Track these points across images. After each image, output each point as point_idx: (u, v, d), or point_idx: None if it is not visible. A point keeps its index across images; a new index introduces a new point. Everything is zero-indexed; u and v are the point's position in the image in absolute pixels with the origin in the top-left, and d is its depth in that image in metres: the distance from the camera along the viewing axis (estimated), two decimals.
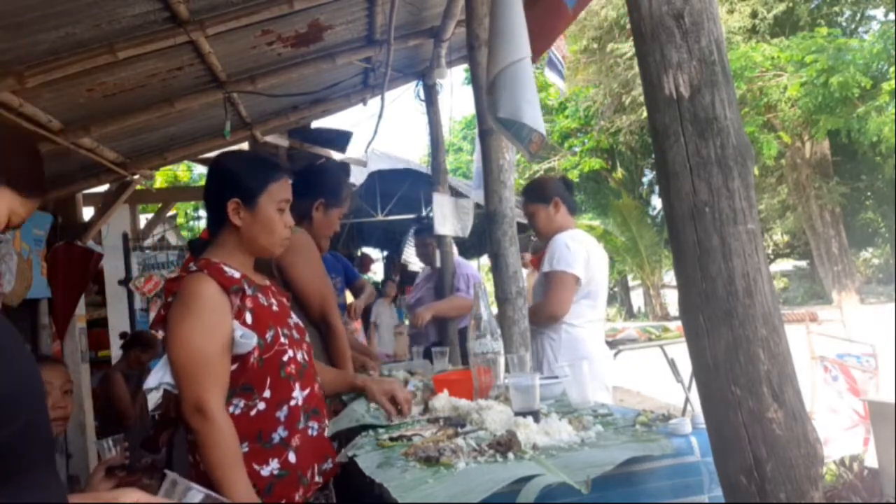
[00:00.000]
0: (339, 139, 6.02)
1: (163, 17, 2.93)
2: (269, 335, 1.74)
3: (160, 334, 1.78)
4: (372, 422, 1.91)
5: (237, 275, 1.75)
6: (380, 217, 10.41)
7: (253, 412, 1.72)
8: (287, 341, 1.80)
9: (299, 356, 1.83)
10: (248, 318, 1.73)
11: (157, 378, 1.72)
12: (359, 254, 11.89)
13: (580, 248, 3.05)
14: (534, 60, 2.84)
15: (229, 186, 1.82)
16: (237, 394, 1.71)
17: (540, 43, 2.83)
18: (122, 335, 5.57)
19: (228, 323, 1.69)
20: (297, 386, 1.80)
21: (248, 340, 1.70)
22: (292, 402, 1.77)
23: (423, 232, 5.25)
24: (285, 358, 1.78)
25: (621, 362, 5.14)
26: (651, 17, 1.17)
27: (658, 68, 1.16)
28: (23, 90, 2.95)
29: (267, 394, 1.73)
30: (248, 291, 1.75)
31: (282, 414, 1.75)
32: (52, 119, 3.48)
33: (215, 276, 1.71)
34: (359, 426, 1.90)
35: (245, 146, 5.67)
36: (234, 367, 1.71)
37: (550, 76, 3.08)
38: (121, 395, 4.46)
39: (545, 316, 3.03)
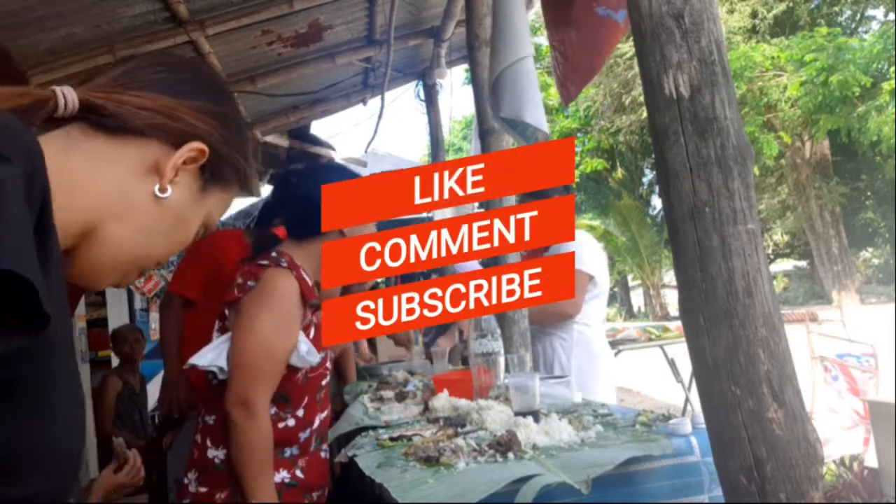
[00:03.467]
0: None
1: (163, 18, 2.94)
2: (321, 355, 1.72)
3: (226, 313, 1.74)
4: (370, 424, 1.91)
5: (311, 284, 1.72)
6: None
7: (280, 425, 1.68)
8: (330, 366, 1.79)
9: (328, 379, 1.82)
10: (312, 333, 1.69)
11: (209, 358, 1.66)
12: None
13: (591, 248, 3.06)
14: (590, 78, 2.84)
15: None
16: (272, 400, 1.68)
17: (594, 60, 2.83)
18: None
19: (297, 332, 1.65)
20: (321, 410, 1.78)
21: (311, 358, 1.65)
22: (315, 426, 1.76)
23: None
24: (324, 382, 1.76)
25: (621, 362, 5.14)
26: (651, 17, 1.17)
27: (658, 68, 1.16)
28: None
29: (300, 413, 1.70)
30: (318, 309, 1.73)
31: (303, 435, 1.73)
32: None
33: (299, 282, 1.68)
34: (358, 428, 1.91)
35: None
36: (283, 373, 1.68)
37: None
38: (104, 400, 4.48)
39: (558, 314, 2.96)
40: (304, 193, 1.83)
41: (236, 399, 1.61)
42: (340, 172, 1.93)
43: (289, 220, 1.85)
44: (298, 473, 1.72)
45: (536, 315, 2.94)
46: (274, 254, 1.72)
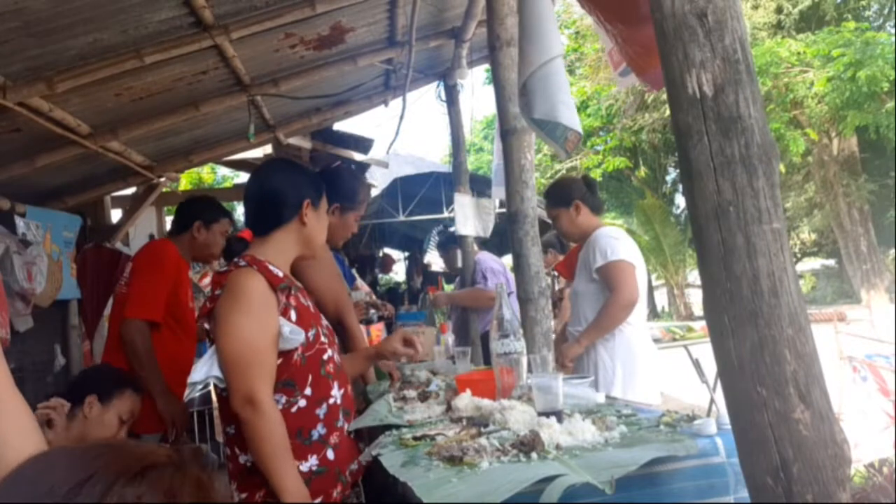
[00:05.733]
0: (361, 145, 6.05)
1: (188, 23, 2.98)
2: (311, 333, 1.78)
3: (206, 326, 1.81)
4: (394, 422, 1.92)
5: (281, 273, 1.79)
6: (401, 218, 10.43)
7: (294, 409, 1.74)
8: (326, 340, 1.84)
9: (336, 356, 1.88)
10: (293, 315, 1.76)
11: (204, 372, 1.73)
12: (381, 254, 11.94)
13: (626, 241, 3.04)
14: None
15: (305, 186, 1.88)
16: (279, 389, 1.73)
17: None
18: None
19: (276, 319, 1.72)
20: (336, 385, 1.83)
21: (296, 336, 1.73)
22: (331, 401, 1.81)
23: (445, 244, 5.33)
24: (325, 357, 1.82)
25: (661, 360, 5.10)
26: (674, 16, 1.16)
27: (681, 67, 1.15)
28: (53, 95, 3.01)
29: (308, 391, 1.76)
30: (292, 290, 1.79)
31: (321, 412, 1.78)
32: (80, 123, 3.55)
33: (263, 273, 1.75)
34: (382, 426, 1.92)
35: (269, 148, 5.73)
36: (278, 362, 1.73)
37: (623, 80, 3.04)
38: None
39: (623, 305, 2.93)
40: (255, 192, 1.91)
41: (240, 399, 1.66)
42: (283, 166, 1.98)
43: (250, 220, 1.93)
44: (329, 455, 1.76)
45: (604, 318, 2.92)
46: (235, 259, 1.81)
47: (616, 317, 2.93)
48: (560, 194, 3.21)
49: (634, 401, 2.31)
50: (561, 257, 4.86)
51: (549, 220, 3.29)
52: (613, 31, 2.62)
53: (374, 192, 9.24)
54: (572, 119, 2.36)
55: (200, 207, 3.22)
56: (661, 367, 3.19)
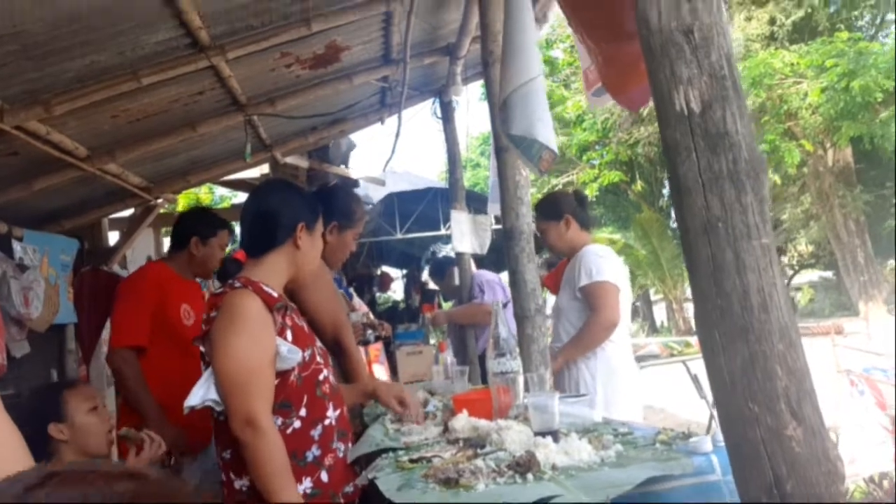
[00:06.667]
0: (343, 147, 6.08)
1: (184, 44, 3.00)
2: (307, 353, 1.78)
3: (202, 348, 1.81)
4: (391, 445, 1.91)
5: (275, 294, 1.79)
6: (399, 235, 10.43)
7: (289, 430, 1.74)
8: (322, 361, 1.84)
9: (331, 377, 1.87)
10: (289, 335, 1.76)
11: (200, 395, 1.72)
12: (378, 273, 11.92)
13: (612, 261, 3.06)
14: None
15: (300, 208, 1.89)
16: (275, 411, 1.72)
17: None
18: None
19: (272, 338, 1.72)
20: (331, 406, 1.82)
21: (293, 356, 1.73)
22: (326, 422, 1.80)
23: (440, 271, 5.36)
24: (321, 377, 1.81)
25: (644, 379, 5.09)
26: (660, 33, 1.17)
27: (668, 84, 1.16)
28: (50, 118, 3.02)
29: (303, 412, 1.76)
30: (287, 310, 1.80)
31: (316, 433, 1.77)
32: (78, 146, 3.55)
33: (258, 293, 1.75)
34: (378, 449, 1.91)
35: (266, 168, 5.75)
36: (275, 382, 1.73)
37: (595, 100, 3.07)
38: None
39: (604, 326, 2.95)
40: (251, 213, 1.92)
41: (239, 421, 1.65)
42: (280, 187, 1.99)
43: (245, 241, 1.93)
44: (323, 477, 1.75)
45: (584, 338, 2.94)
46: (230, 281, 1.81)
47: (595, 337, 2.94)
48: (550, 208, 3.24)
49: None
50: None
51: (538, 234, 3.30)
52: (596, 49, 2.63)
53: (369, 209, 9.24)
54: (548, 137, 2.37)
55: (196, 223, 3.20)
56: (642, 385, 3.21)
